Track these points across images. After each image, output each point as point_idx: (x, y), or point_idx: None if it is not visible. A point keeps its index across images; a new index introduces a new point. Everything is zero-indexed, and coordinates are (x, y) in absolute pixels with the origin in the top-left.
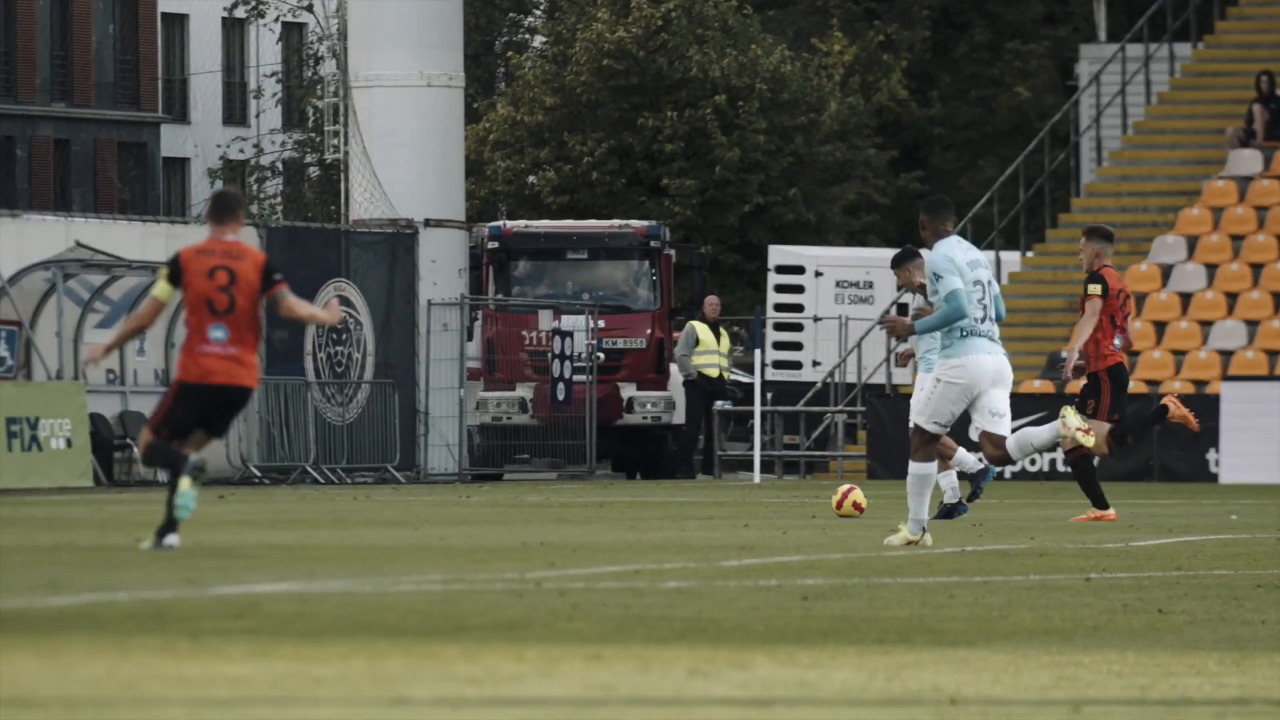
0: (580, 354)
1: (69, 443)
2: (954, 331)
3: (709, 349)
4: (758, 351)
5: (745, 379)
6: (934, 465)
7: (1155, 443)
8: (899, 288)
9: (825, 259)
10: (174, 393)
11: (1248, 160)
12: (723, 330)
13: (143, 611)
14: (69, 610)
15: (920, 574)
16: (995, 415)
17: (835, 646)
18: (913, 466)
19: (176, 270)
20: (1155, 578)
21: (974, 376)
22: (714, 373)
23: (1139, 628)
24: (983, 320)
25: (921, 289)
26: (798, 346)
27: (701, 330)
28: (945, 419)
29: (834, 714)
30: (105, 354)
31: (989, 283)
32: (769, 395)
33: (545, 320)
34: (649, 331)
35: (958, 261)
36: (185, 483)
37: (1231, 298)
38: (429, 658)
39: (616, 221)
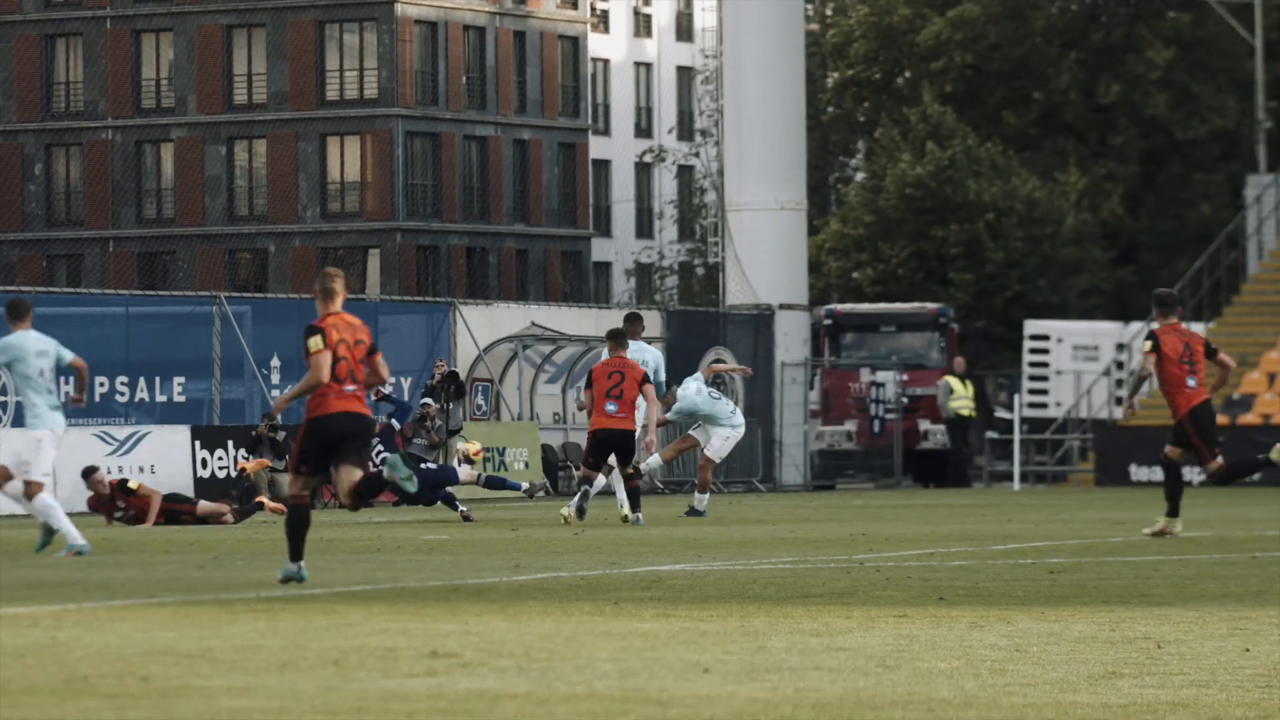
0: (889, 399)
1: (526, 465)
2: None
3: (960, 395)
4: (1016, 395)
5: (1007, 415)
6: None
7: None
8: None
9: (1064, 330)
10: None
11: None
12: (968, 381)
13: (579, 585)
14: (526, 584)
15: (1133, 554)
16: None
17: (1073, 607)
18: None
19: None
20: None
21: None
22: (965, 412)
23: None
24: None
25: None
26: (1045, 392)
27: (954, 382)
28: None
29: (1073, 652)
30: (284, 405)
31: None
32: (1025, 426)
33: (865, 375)
34: (938, 383)
35: None
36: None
37: None
38: (783, 617)
39: (915, 304)
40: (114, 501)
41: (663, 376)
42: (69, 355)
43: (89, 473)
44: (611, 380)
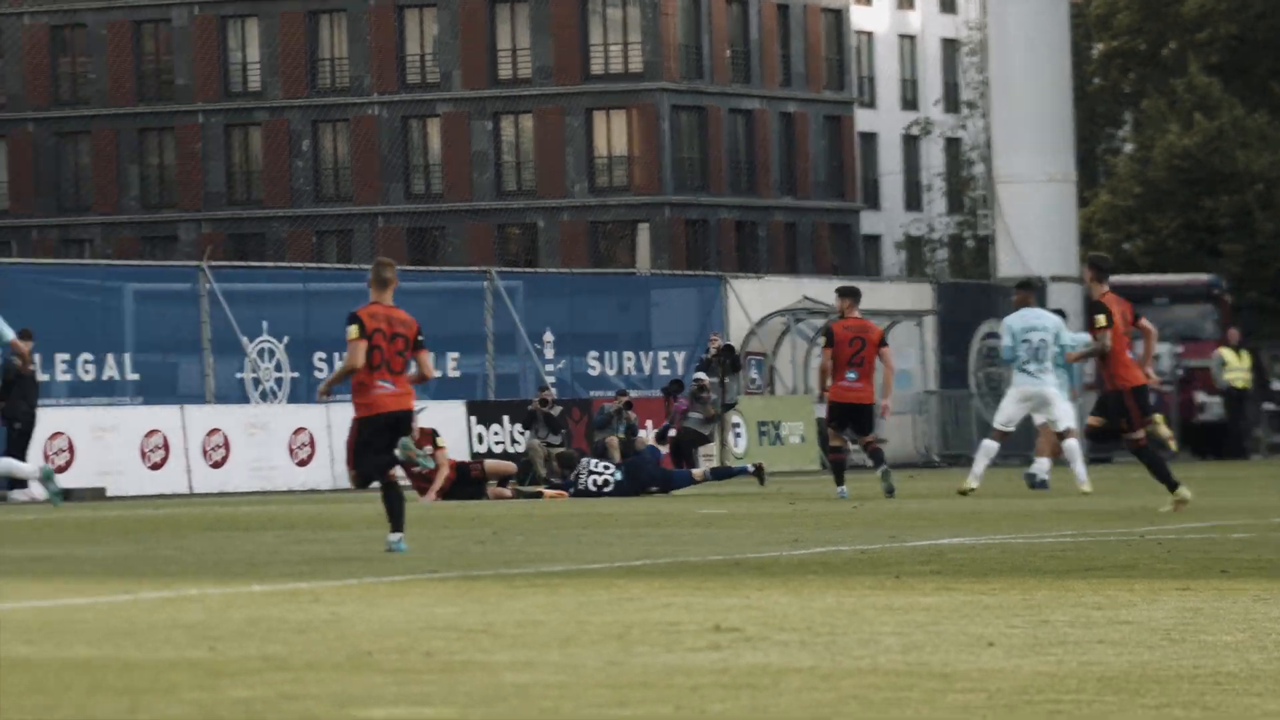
0: (1165, 372)
1: (802, 439)
2: None
3: (1234, 367)
4: None
5: None
6: None
7: None
8: None
9: None
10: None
11: None
12: (1243, 352)
13: (859, 559)
14: (807, 559)
15: None
16: None
17: None
18: None
19: None
20: None
21: None
22: (1241, 384)
23: None
24: None
25: None
26: None
27: (1228, 354)
28: None
29: None
30: (330, 386)
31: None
32: None
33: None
34: (1212, 355)
35: None
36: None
37: None
38: (1065, 590)
39: (1188, 275)
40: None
41: (1065, 340)
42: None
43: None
44: (853, 347)
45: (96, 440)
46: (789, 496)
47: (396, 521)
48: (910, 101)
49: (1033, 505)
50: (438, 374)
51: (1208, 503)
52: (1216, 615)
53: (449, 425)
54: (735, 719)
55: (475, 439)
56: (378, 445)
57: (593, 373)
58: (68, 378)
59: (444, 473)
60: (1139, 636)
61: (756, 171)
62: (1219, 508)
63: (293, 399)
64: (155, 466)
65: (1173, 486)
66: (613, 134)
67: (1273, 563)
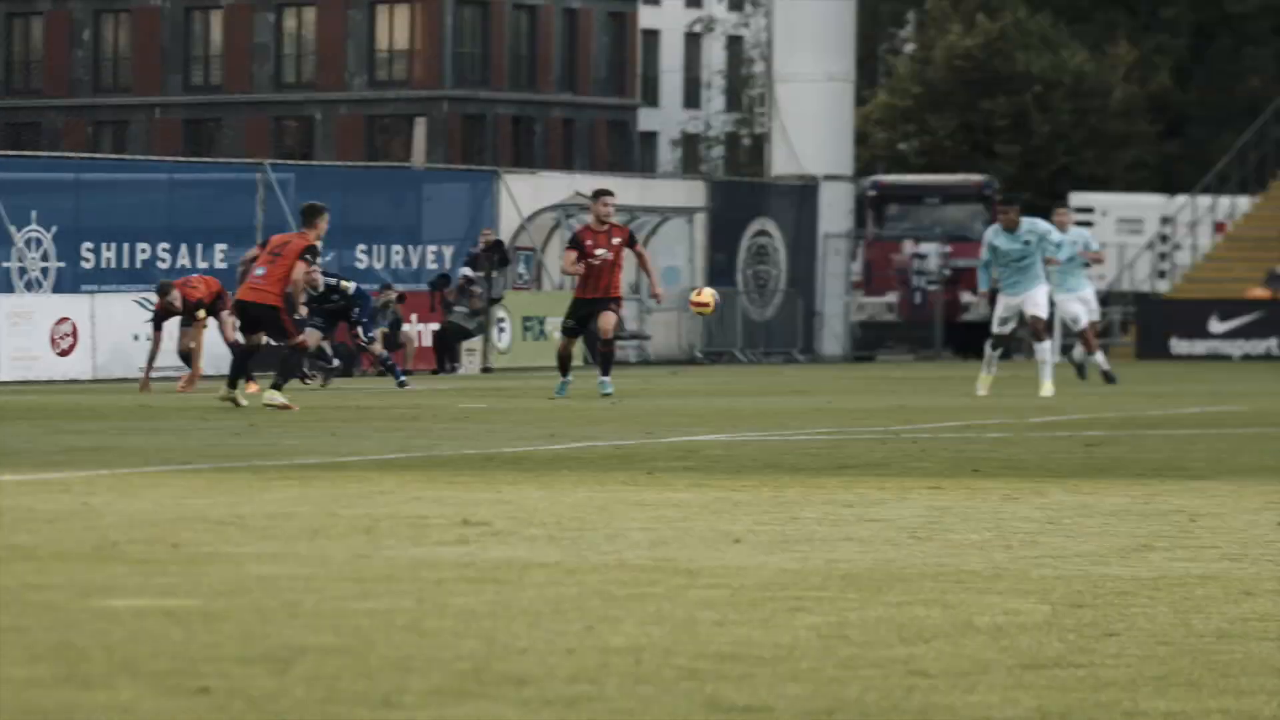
0: (932, 271)
1: None
2: None
3: None
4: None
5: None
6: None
7: None
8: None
9: (1109, 203)
10: None
11: None
12: None
13: (614, 455)
14: (562, 454)
15: (1171, 428)
16: None
17: (1108, 480)
18: None
19: None
20: None
21: None
22: None
23: None
24: None
25: None
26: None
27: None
28: None
29: (1106, 525)
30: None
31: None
32: None
33: (908, 247)
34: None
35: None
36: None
37: None
38: (816, 487)
39: (960, 176)
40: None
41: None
42: None
43: (164, 290)
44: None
45: None
46: (548, 392)
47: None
48: (694, 0)
49: (789, 404)
50: (205, 264)
51: (966, 402)
52: (965, 514)
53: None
54: (477, 613)
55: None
56: None
57: (360, 265)
58: None
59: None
60: (886, 534)
61: (538, 67)
62: (975, 406)
63: (58, 289)
64: None
65: None
66: (395, 28)
67: (1024, 462)
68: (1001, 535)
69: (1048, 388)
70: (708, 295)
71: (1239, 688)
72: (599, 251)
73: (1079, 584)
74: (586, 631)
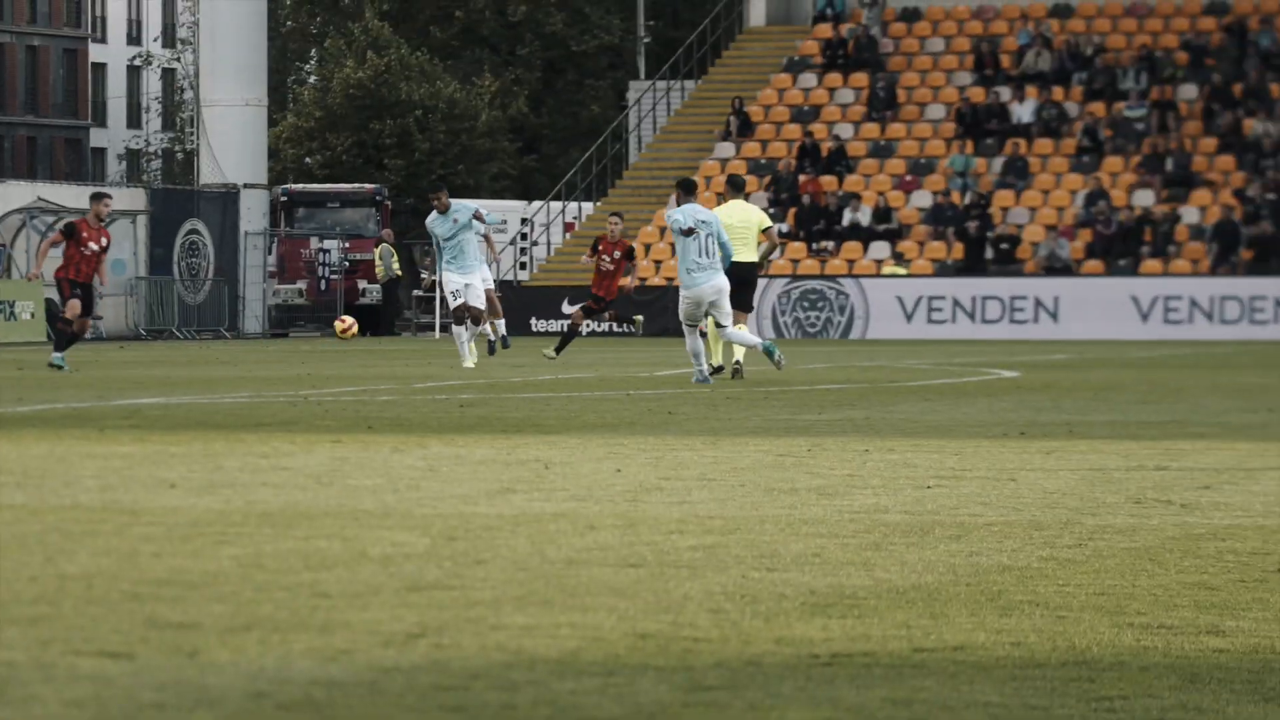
0: (334, 263)
1: (32, 315)
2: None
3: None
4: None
5: (431, 276)
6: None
7: None
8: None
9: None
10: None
11: (726, 149)
12: (396, 248)
13: (71, 415)
14: (29, 415)
15: (534, 391)
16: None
17: (479, 435)
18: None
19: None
20: (671, 394)
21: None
22: (396, 274)
23: (655, 423)
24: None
25: None
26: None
27: (388, 248)
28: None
29: (476, 471)
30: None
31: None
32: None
33: (314, 243)
34: (379, 248)
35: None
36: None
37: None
38: (238, 441)
39: (356, 185)
40: None
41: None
42: None
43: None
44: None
45: None
46: (18, 363)
47: None
48: (135, 38)
49: (217, 373)
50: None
51: (362, 370)
52: (360, 464)
53: None
54: None
55: None
56: None
57: None
58: None
59: None
60: (295, 480)
61: (5, 94)
62: (370, 374)
63: None
64: None
65: None
66: None
67: (410, 420)
68: (391, 481)
69: (470, 361)
70: (348, 321)
71: (584, 605)
72: (92, 246)
73: (454, 520)
74: (46, 562)
